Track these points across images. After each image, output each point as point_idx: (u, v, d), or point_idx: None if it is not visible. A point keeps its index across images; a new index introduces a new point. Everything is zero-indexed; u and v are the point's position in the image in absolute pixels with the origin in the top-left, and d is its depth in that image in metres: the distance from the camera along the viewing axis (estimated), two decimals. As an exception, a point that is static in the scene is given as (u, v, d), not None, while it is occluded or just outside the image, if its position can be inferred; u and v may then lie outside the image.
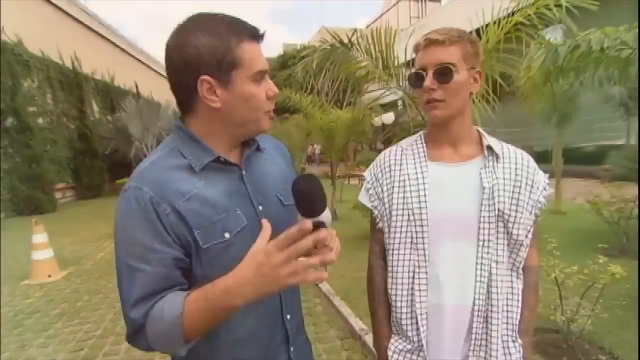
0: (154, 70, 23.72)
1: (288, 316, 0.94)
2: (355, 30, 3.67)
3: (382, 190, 1.08)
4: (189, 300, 0.73)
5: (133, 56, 20.99)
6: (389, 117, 11.36)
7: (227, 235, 0.81)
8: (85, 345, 3.15)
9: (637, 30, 2.52)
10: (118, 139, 14.42)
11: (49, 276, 4.91)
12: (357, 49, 3.66)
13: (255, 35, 0.81)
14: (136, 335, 0.77)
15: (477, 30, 3.29)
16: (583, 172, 10.01)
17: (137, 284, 0.76)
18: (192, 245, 0.79)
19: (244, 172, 0.89)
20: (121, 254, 0.79)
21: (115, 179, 14.58)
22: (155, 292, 0.76)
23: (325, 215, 0.78)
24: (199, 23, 0.79)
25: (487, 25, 3.27)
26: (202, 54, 0.76)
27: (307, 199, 0.76)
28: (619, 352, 2.43)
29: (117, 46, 18.97)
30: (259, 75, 0.81)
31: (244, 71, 0.79)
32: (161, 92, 23.50)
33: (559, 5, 2.85)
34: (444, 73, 0.94)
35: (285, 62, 25.90)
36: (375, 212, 1.10)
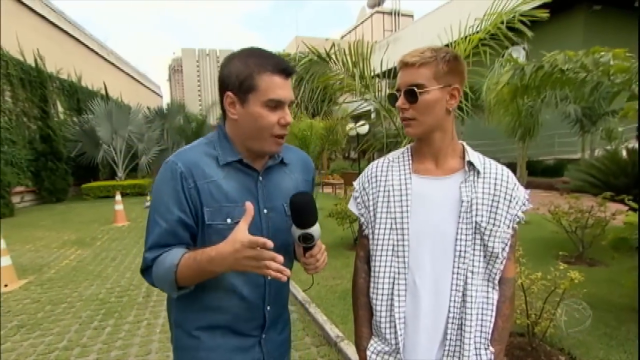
0: (124, 72, 22.99)
1: (268, 307, 1.10)
2: (333, 43, 3.75)
3: (368, 199, 1.13)
4: (185, 256, 0.94)
5: (102, 56, 20.25)
6: (363, 128, 11.59)
7: (228, 220, 0.99)
8: (47, 358, 2.98)
9: (595, 55, 2.74)
10: (85, 142, 13.84)
11: (6, 285, 4.61)
12: (334, 62, 3.74)
13: (280, 70, 0.98)
14: (146, 271, 1.02)
15: (447, 46, 3.46)
16: (545, 183, 10.57)
17: (154, 233, 0.99)
18: (200, 219, 1.00)
19: (260, 178, 1.07)
20: (152, 207, 1.02)
21: (80, 183, 13.96)
22: (165, 244, 0.99)
23: (315, 229, 0.99)
24: (240, 54, 1.01)
25: (456, 42, 3.44)
26: (231, 75, 0.98)
27: (299, 212, 0.98)
28: (576, 353, 2.59)
29: (85, 45, 18.26)
30: (272, 102, 0.97)
31: (259, 96, 0.97)
32: (131, 95, 22.78)
33: (511, 21, 3.06)
34: (412, 94, 1.01)
35: (260, 68, 25.85)
36: (362, 219, 1.15)
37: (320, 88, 3.83)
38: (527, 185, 7.72)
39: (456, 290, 1.02)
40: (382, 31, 34.86)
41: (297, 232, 0.98)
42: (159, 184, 1.01)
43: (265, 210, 1.05)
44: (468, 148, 1.11)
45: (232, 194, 1.00)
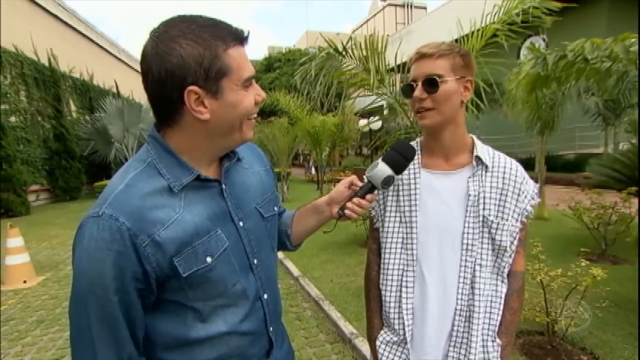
0: (135, 69, 23.35)
1: (271, 328, 0.96)
2: (350, 37, 3.76)
3: (377, 193, 1.15)
4: None
5: (113, 55, 20.60)
6: (376, 123, 11.54)
7: (209, 259, 0.80)
8: (66, 352, 3.09)
9: (626, 42, 2.67)
10: (97, 140, 14.12)
11: (24, 282, 4.77)
12: (350, 56, 3.75)
13: (240, 39, 0.78)
14: None
15: (463, 37, 3.42)
16: (564, 179, 10.38)
17: (101, 317, 0.74)
18: (170, 274, 0.77)
19: (223, 186, 0.87)
20: (83, 283, 0.74)
21: (93, 182, 14.27)
22: (123, 339, 0.76)
23: (395, 178, 1.03)
24: (179, 29, 0.73)
25: (472, 33, 3.40)
26: (188, 64, 0.72)
27: (405, 157, 1.02)
28: (599, 353, 2.56)
29: (97, 44, 18.60)
30: (248, 81, 0.80)
31: (234, 78, 0.77)
32: (142, 93, 23.08)
33: (525, 14, 3.00)
34: (431, 84, 1.02)
35: (270, 65, 25.96)
36: (373, 212, 1.20)
37: (335, 83, 3.85)
38: (546, 181, 7.61)
39: (464, 282, 1.05)
40: (394, 24, 34.56)
41: (387, 171, 0.99)
42: (92, 254, 0.72)
43: (241, 223, 0.88)
44: (477, 142, 1.12)
45: (203, 224, 0.80)
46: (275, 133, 10.94)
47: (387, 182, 1.00)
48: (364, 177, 1.04)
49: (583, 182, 8.86)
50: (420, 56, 1.05)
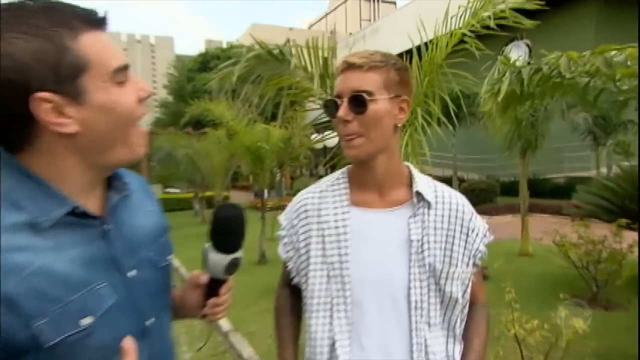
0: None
1: None
2: (288, 40, 3.79)
3: (297, 239, 1.13)
4: None
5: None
6: (331, 140, 11.70)
7: (85, 321, 0.73)
8: None
9: (606, 54, 2.90)
10: None
11: None
12: (289, 61, 3.74)
13: (94, 21, 0.74)
14: None
15: (431, 41, 3.56)
16: (551, 207, 10.99)
17: None
18: (27, 345, 0.68)
19: (105, 227, 0.82)
20: None
21: None
22: None
23: (240, 256, 0.93)
24: (3, 21, 0.67)
25: (436, 38, 3.54)
26: (25, 64, 0.67)
27: (234, 230, 0.92)
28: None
29: None
30: (120, 72, 0.76)
31: (97, 74, 0.73)
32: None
33: (503, 18, 3.18)
34: (358, 101, 1.01)
35: (206, 62, 25.92)
36: (291, 264, 1.15)
37: (274, 91, 3.81)
38: (531, 209, 7.94)
39: (418, 350, 1.02)
40: (358, 20, 36.02)
41: (225, 259, 0.90)
42: None
43: (130, 273, 0.84)
44: (415, 172, 1.14)
45: (77, 275, 0.73)
46: (209, 148, 10.74)
47: (230, 267, 0.92)
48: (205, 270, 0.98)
49: (573, 211, 9.39)
50: (348, 66, 1.04)
